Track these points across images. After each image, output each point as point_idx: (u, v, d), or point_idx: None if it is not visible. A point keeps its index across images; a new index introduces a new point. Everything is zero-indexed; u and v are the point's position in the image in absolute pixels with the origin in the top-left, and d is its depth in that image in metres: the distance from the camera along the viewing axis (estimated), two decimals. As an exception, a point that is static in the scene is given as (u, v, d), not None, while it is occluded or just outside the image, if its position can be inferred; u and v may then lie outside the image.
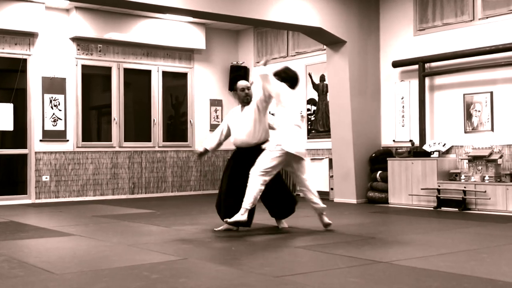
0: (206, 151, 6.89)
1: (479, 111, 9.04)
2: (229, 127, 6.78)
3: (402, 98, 10.08)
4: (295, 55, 12.07)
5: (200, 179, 12.77)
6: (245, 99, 6.63)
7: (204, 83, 12.97)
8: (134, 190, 11.93)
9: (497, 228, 6.81)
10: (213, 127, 12.96)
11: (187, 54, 12.70)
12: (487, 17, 9.01)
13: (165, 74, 12.47)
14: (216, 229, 6.63)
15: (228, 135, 6.82)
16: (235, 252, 5.33)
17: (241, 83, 6.75)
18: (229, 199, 6.46)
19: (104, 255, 5.25)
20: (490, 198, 8.28)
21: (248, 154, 6.47)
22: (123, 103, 11.89)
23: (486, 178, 8.45)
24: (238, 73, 13.03)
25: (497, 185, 8.29)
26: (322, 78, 11.21)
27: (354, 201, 9.99)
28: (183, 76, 12.75)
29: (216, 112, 13.06)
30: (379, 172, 9.86)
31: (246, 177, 6.28)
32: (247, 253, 5.29)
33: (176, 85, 12.76)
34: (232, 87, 13.04)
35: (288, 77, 6.44)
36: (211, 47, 12.96)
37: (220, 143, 6.89)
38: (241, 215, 6.09)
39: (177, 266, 4.64)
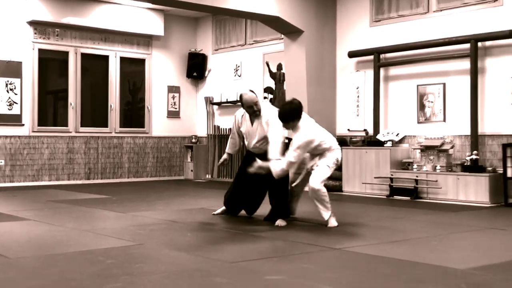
0: (229, 155, 6.81)
1: (432, 102, 9.26)
2: (240, 132, 6.59)
3: (357, 88, 10.25)
4: (253, 44, 12.12)
5: (156, 165, 12.76)
6: (253, 115, 6.32)
7: (162, 70, 12.93)
8: (90, 176, 11.86)
9: (447, 216, 7.01)
10: (170, 114, 12.96)
11: (145, 40, 12.63)
12: (441, 10, 9.21)
13: (123, 59, 12.39)
14: (214, 213, 6.89)
15: (241, 137, 6.67)
16: (191, 239, 5.39)
17: (247, 101, 6.20)
18: (237, 196, 6.63)
19: (59, 240, 5.25)
20: (441, 187, 8.51)
21: (261, 157, 6.31)
22: (80, 88, 11.77)
23: (438, 167, 8.67)
24: (196, 60, 13.04)
25: (448, 174, 8.52)
26: (280, 66, 11.29)
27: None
28: (141, 62, 12.69)
29: (173, 99, 13.04)
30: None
31: (253, 180, 6.26)
32: (203, 240, 5.35)
33: (133, 71, 12.69)
34: (190, 74, 13.06)
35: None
36: (170, 34, 12.92)
37: (240, 147, 6.83)
38: (333, 221, 6.07)
39: (133, 252, 4.68)
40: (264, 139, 6.27)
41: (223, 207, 6.84)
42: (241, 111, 6.55)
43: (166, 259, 4.45)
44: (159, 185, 11.38)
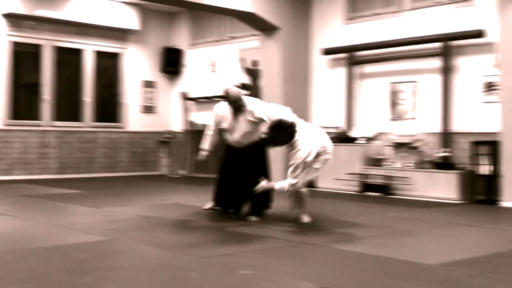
0: (208, 152, 6.72)
1: (404, 99, 9.38)
2: (220, 122, 6.54)
3: (331, 85, 10.33)
4: (229, 40, 12.15)
5: (131, 160, 12.72)
6: (237, 109, 6.33)
7: (138, 64, 12.89)
8: (63, 170, 11.77)
9: (418, 212, 7.12)
10: (145, 109, 12.93)
11: (120, 34, 12.57)
12: (414, 9, 9.32)
13: (98, 53, 12.31)
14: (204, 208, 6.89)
15: (219, 130, 6.67)
16: (164, 233, 5.41)
17: (233, 95, 6.25)
18: (224, 191, 6.63)
19: (31, 234, 5.24)
20: (412, 184, 8.63)
21: (241, 151, 6.46)
22: (54, 81, 11.69)
23: (409, 164, 8.79)
24: (172, 55, 13.03)
25: (418, 171, 8.65)
26: (256, 63, 11.31)
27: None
28: (116, 56, 12.63)
29: (149, 94, 13.01)
30: (308, 156, 10.09)
31: (236, 171, 6.43)
32: (176, 234, 5.39)
33: (108, 65, 12.63)
34: (166, 69, 13.04)
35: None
36: (146, 29, 12.86)
37: (217, 141, 6.76)
38: (306, 218, 6.10)
39: (105, 247, 4.69)
40: (248, 134, 6.34)
41: (212, 203, 6.81)
42: (221, 106, 6.53)
43: (139, 254, 4.48)
44: (133, 180, 11.35)
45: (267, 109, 6.26)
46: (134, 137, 12.76)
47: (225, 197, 6.68)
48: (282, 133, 5.73)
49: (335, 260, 4.37)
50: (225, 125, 6.47)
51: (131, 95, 12.77)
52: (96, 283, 3.54)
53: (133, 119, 12.76)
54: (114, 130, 12.50)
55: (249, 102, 6.37)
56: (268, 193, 6.40)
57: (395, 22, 9.53)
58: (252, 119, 6.28)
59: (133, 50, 12.80)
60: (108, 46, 12.43)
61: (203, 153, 6.66)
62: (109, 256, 4.33)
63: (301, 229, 5.76)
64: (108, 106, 12.63)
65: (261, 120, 6.28)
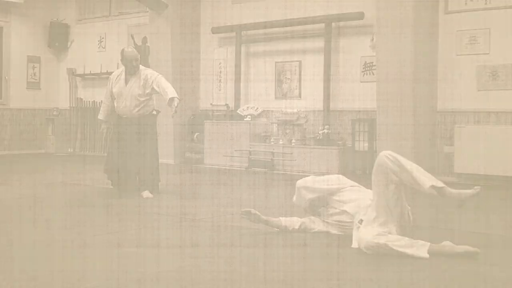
0: (106, 121, 6.73)
1: (289, 78, 9.70)
2: (112, 94, 6.53)
3: (220, 64, 10.50)
4: (118, 15, 12.01)
5: (15, 138, 12.34)
6: (131, 71, 6.36)
7: (22, 39, 12.45)
8: None
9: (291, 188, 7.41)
10: (30, 85, 12.56)
11: (3, 7, 12.09)
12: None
13: (-21, 27, 11.83)
14: None
15: (114, 99, 6.60)
16: (49, 212, 5.34)
17: (131, 55, 6.32)
18: (114, 168, 6.55)
19: None
20: (295, 160, 8.98)
21: (131, 123, 6.44)
22: None
23: (293, 141, 9.13)
24: (58, 30, 12.71)
25: (302, 147, 9.01)
26: (145, 40, 11.27)
27: (172, 161, 10.29)
28: (-1, 30, 12.19)
29: (33, 69, 12.64)
30: (197, 133, 10.25)
31: (127, 145, 6.41)
32: (61, 213, 5.33)
33: (-11, 40, 12.16)
34: (52, 44, 12.71)
35: None
36: (30, 2, 12.43)
37: (112, 109, 6.68)
38: None
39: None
40: (138, 101, 6.35)
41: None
42: (116, 72, 6.60)
43: (22, 234, 4.43)
44: (18, 158, 11.06)
45: (159, 79, 6.32)
46: (19, 114, 12.38)
47: (115, 174, 6.65)
48: None
49: (211, 233, 4.54)
50: (115, 90, 6.46)
51: (14, 71, 12.35)
52: (-27, 262, 3.52)
53: (17, 95, 12.35)
54: (-3, 107, 12.08)
55: (143, 68, 6.46)
56: (156, 169, 6.52)
57: (282, 2, 9.77)
58: (143, 83, 6.32)
59: (17, 24, 12.35)
60: (-11, 19, 11.95)
61: (103, 126, 6.72)
62: (-10, 236, 4.29)
63: (188, 204, 5.89)
64: (-10, 82, 12.17)
65: (152, 89, 6.33)
